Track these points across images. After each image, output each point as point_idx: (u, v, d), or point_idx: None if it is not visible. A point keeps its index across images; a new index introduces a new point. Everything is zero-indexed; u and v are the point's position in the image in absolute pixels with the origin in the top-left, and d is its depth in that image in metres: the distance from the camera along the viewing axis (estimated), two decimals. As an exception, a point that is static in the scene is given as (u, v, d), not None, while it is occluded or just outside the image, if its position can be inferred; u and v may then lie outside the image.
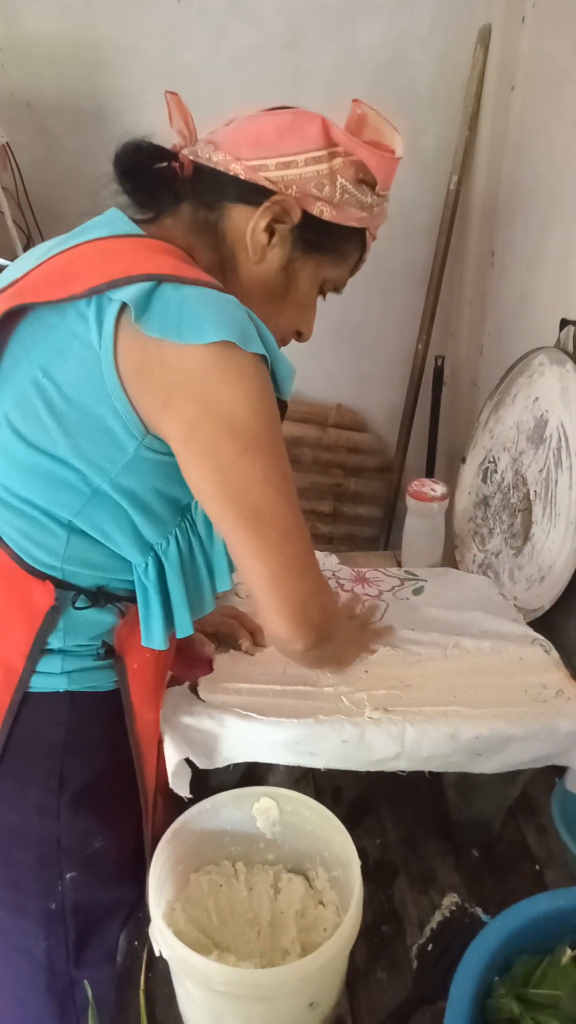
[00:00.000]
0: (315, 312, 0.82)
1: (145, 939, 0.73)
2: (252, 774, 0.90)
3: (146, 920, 0.67)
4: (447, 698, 0.82)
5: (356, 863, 0.69)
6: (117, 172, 0.72)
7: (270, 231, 0.73)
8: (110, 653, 0.75)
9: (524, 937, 0.66)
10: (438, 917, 0.82)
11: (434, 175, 1.70)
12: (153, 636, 0.73)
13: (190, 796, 0.77)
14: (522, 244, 1.46)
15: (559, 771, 0.86)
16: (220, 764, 0.79)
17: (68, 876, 0.74)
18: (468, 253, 1.76)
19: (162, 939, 0.64)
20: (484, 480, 1.43)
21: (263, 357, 0.64)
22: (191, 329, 0.60)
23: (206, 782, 0.83)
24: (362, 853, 0.70)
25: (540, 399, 1.24)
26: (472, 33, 1.57)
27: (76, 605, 0.71)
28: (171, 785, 0.76)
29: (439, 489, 1.32)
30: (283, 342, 0.82)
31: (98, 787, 0.75)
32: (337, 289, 0.82)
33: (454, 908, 0.83)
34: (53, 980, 0.76)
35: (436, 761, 0.79)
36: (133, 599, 0.74)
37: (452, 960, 0.65)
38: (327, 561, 1.33)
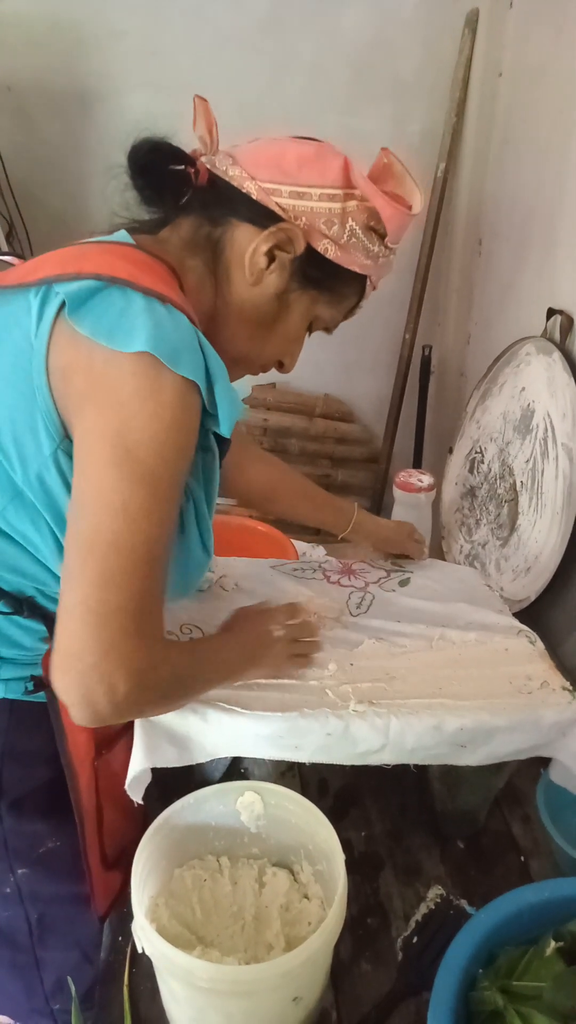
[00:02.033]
0: (301, 346, 0.81)
1: (129, 934, 0.73)
2: (237, 767, 0.89)
3: (129, 915, 0.66)
4: (432, 690, 0.82)
5: (340, 857, 0.68)
6: (130, 165, 0.71)
7: (270, 256, 0.72)
8: (39, 686, 0.73)
9: (508, 929, 0.66)
10: (423, 909, 0.82)
11: (420, 162, 1.68)
12: None
13: (140, 802, 0.75)
14: (508, 232, 1.45)
15: (544, 762, 0.86)
16: (203, 759, 0.78)
17: (20, 872, 0.74)
18: (455, 241, 1.75)
19: (144, 935, 0.63)
20: (471, 470, 1.43)
21: (195, 386, 0.61)
22: (122, 334, 0.59)
23: (191, 776, 0.83)
24: (347, 845, 0.70)
25: (527, 389, 1.24)
26: (458, 17, 1.55)
27: None
28: (127, 788, 0.74)
29: (426, 480, 1.31)
30: (264, 369, 0.82)
31: (43, 795, 0.74)
32: (328, 329, 0.81)
33: (439, 900, 0.83)
34: (16, 955, 0.75)
35: (421, 753, 0.79)
36: None
37: (437, 952, 0.65)
38: (314, 553, 1.32)
